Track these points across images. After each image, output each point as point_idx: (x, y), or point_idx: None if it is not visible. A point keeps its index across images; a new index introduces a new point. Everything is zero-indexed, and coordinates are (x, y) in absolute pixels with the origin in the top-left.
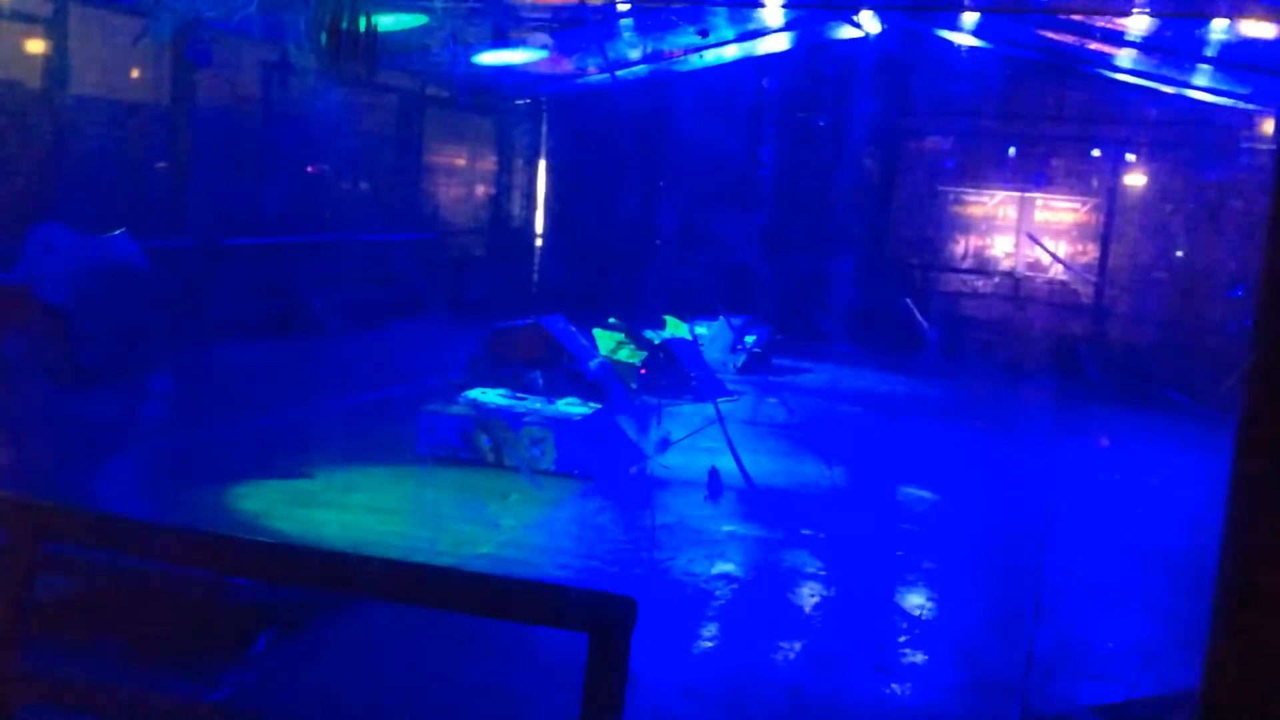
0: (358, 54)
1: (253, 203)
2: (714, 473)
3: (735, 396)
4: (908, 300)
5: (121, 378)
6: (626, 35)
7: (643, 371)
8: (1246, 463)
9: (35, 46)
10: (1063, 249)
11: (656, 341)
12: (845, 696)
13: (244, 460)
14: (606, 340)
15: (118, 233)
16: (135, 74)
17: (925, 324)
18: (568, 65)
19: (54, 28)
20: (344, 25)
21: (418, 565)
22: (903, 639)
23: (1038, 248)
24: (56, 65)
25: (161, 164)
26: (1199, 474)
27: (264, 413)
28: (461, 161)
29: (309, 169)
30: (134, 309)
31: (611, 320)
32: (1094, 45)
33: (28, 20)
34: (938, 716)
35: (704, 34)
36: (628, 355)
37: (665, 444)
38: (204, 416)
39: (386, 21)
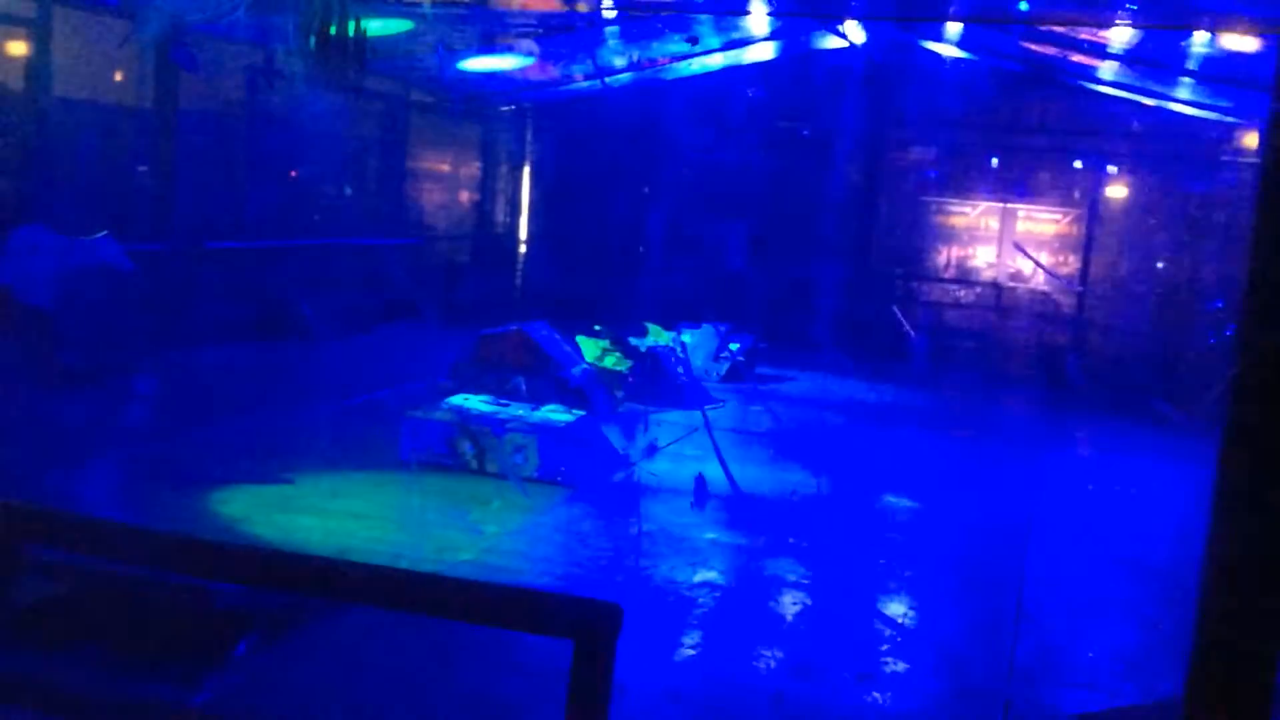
0: (346, 58)
1: (237, 206)
2: (700, 479)
3: (720, 404)
4: (894, 308)
5: (104, 381)
6: (613, 43)
7: (629, 379)
8: (1230, 473)
9: (18, 49)
10: (1045, 260)
11: (642, 349)
12: (827, 704)
13: (225, 464)
14: (592, 347)
15: (101, 235)
16: (119, 77)
17: (912, 332)
18: (554, 72)
19: (38, 30)
20: (332, 30)
21: (403, 571)
22: (885, 647)
23: (1020, 258)
24: (40, 68)
25: (145, 167)
26: (1180, 483)
27: (246, 417)
28: (447, 167)
29: (294, 173)
30: (117, 312)
31: (597, 327)
32: (1077, 57)
33: (11, 22)
34: None
35: (694, 41)
36: (613, 362)
37: (653, 449)
38: (184, 419)
39: (373, 26)
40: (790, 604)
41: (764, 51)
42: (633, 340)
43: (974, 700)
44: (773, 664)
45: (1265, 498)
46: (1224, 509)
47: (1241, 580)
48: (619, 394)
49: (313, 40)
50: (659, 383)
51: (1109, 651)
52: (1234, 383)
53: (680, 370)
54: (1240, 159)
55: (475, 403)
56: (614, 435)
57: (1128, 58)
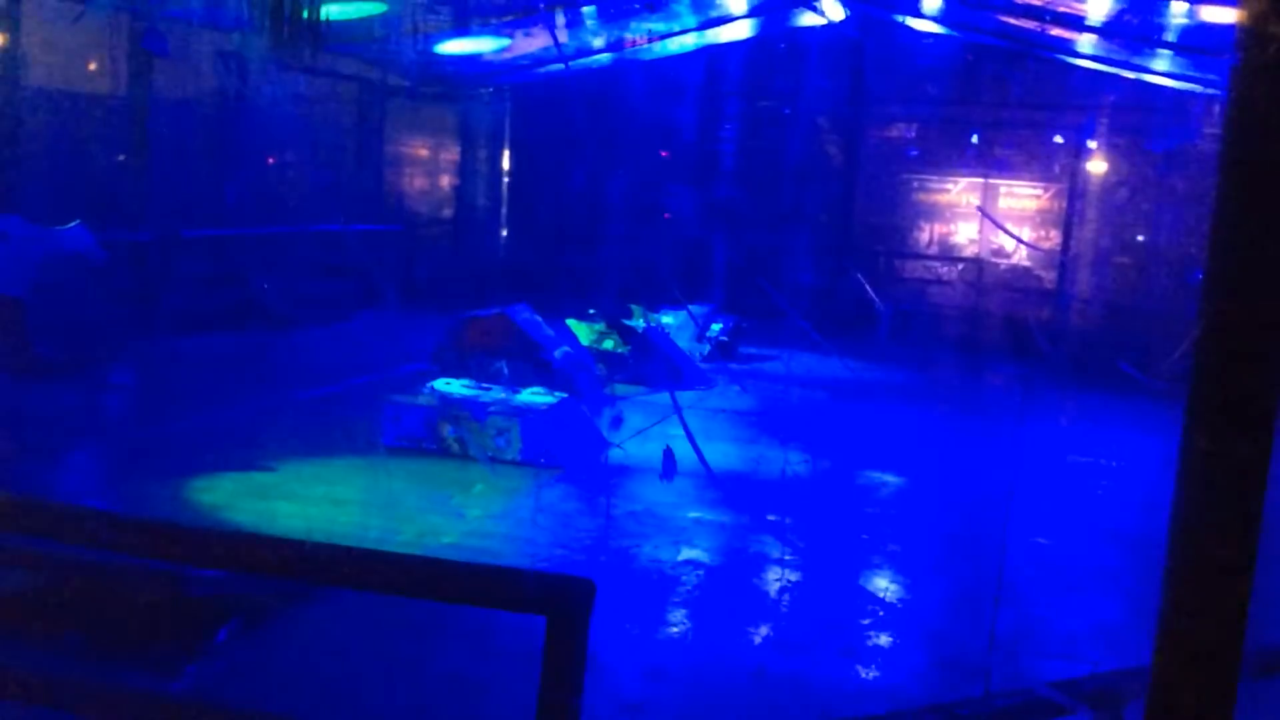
0: (302, 39)
1: (213, 194)
2: (668, 453)
3: (709, 385)
4: (858, 275)
5: (78, 370)
6: (589, 23)
7: (622, 361)
8: (1195, 437)
9: None
10: (1026, 234)
11: (639, 330)
12: (810, 678)
13: (203, 453)
14: (587, 332)
15: (73, 224)
16: (92, 65)
17: (877, 300)
18: (531, 52)
19: (7, 18)
20: (287, 10)
21: (374, 551)
22: (867, 621)
23: (1002, 233)
24: (10, 57)
25: (119, 156)
26: (1159, 454)
27: (224, 405)
28: (425, 151)
29: (271, 160)
30: (90, 301)
31: (591, 311)
32: (1055, 30)
33: None
34: (901, 697)
35: (653, 8)
36: (604, 343)
37: (637, 430)
38: (162, 409)
39: (344, 9)
40: (773, 581)
41: (742, 30)
42: (624, 322)
43: (955, 672)
44: (756, 640)
45: (1227, 457)
46: (1189, 472)
47: (1207, 543)
48: (603, 374)
49: (270, 20)
50: (652, 365)
51: (1090, 622)
52: (1197, 345)
53: (674, 352)
54: (1220, 131)
55: (457, 387)
56: (597, 417)
57: (1106, 30)
